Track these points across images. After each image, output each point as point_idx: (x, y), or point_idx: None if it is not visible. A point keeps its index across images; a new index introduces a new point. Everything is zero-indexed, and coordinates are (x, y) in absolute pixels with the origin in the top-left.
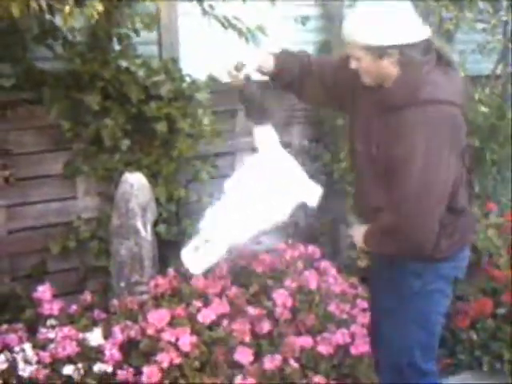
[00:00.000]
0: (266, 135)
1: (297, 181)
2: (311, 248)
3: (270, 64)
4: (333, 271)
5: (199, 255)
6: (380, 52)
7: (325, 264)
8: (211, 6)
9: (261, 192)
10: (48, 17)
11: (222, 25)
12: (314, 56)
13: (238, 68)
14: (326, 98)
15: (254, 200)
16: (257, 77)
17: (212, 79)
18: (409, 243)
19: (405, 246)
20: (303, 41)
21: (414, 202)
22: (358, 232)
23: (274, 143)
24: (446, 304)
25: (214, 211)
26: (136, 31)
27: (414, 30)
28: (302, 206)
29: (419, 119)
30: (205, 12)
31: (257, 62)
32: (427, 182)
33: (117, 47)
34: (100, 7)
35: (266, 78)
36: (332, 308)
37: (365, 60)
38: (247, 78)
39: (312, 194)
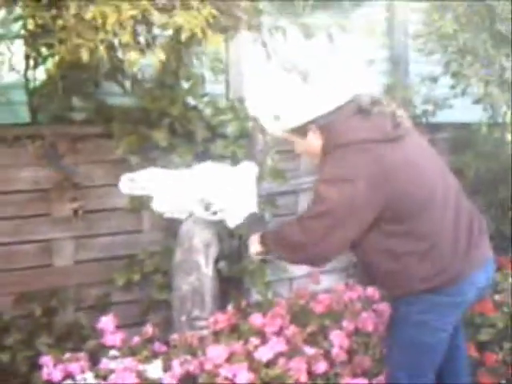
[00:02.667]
0: None
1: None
2: (370, 290)
3: None
4: None
5: (134, 185)
6: (302, 130)
7: (383, 306)
8: (275, 51)
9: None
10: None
11: (285, 69)
12: None
13: (207, 207)
14: None
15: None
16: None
17: (277, 119)
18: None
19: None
20: (369, 83)
21: (311, 220)
22: (253, 238)
23: None
24: (437, 337)
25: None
26: (202, 77)
27: (325, 100)
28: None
29: (333, 158)
30: (269, 56)
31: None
32: (329, 207)
33: (184, 85)
34: (162, 56)
35: None
36: None
37: (297, 142)
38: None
39: (234, 216)
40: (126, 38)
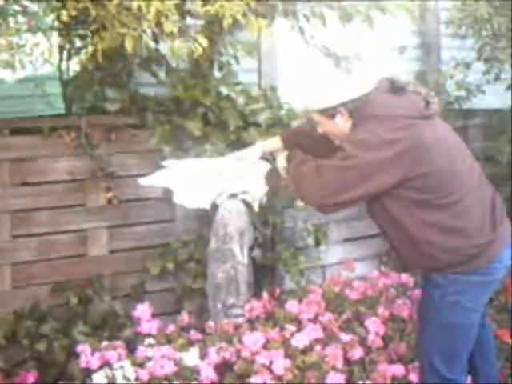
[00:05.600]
0: None
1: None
2: (404, 276)
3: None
4: None
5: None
6: (331, 112)
7: (417, 293)
8: (312, 37)
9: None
10: (153, 44)
11: (324, 54)
12: None
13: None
14: None
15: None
16: None
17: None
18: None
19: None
20: (400, 70)
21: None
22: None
23: None
24: (470, 318)
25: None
26: (236, 58)
27: (355, 86)
28: None
29: (367, 126)
30: (307, 42)
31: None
32: (353, 164)
33: (217, 74)
34: (204, 42)
35: None
36: None
37: (323, 123)
38: None
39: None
40: (169, 26)
